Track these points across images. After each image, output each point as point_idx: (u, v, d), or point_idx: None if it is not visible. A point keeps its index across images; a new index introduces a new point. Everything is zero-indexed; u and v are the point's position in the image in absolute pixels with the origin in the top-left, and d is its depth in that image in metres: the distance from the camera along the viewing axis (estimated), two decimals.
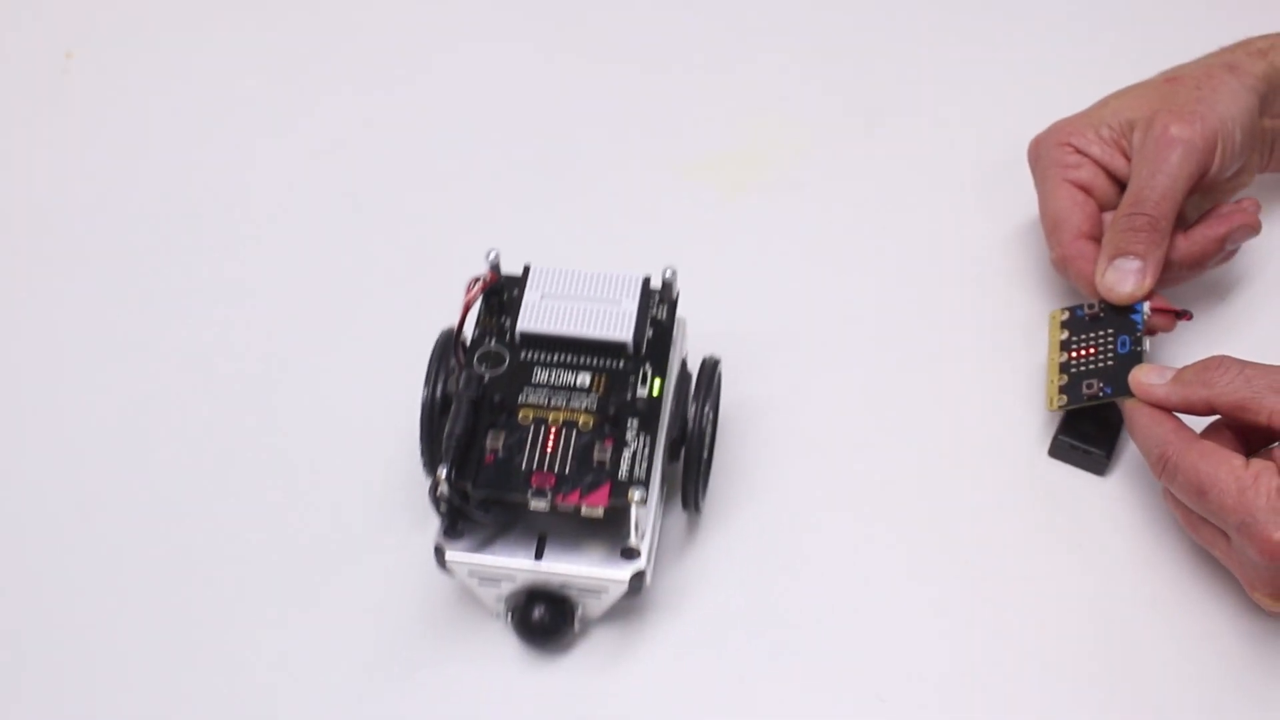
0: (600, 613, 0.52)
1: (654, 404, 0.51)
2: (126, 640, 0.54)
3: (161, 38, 0.76)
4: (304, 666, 0.53)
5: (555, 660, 0.53)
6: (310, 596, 0.55)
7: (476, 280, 0.53)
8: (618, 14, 0.76)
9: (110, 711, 0.52)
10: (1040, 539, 0.56)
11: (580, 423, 0.50)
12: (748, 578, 0.55)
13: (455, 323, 0.53)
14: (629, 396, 0.51)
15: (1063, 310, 0.59)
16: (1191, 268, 0.59)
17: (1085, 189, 0.59)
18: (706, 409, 0.52)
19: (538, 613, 0.51)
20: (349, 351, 0.62)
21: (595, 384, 0.51)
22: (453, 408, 0.50)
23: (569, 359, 0.52)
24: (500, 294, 0.54)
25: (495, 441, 0.49)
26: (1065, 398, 0.56)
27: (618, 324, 0.51)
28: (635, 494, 0.48)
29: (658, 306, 0.53)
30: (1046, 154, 0.60)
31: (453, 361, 0.53)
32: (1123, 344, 0.56)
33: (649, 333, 0.53)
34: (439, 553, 0.50)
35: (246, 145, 0.71)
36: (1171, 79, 0.60)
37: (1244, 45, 0.61)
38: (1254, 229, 0.59)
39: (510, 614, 0.51)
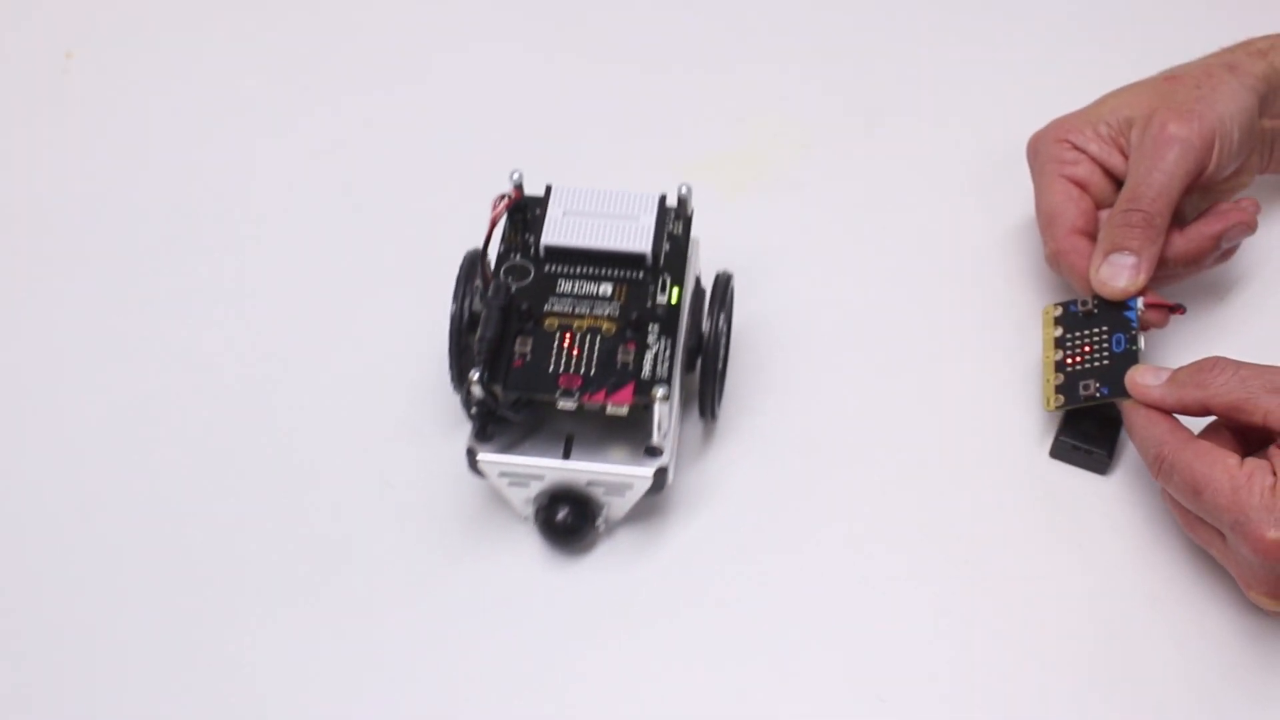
0: (623, 512, 0.54)
1: (673, 311, 0.53)
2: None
3: (161, 38, 0.76)
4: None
5: (578, 560, 0.55)
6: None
7: (502, 198, 0.55)
8: (618, 14, 0.77)
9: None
10: (1040, 539, 0.56)
11: (604, 329, 0.52)
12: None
13: (480, 242, 0.55)
14: (649, 304, 0.53)
15: (1056, 305, 0.59)
16: (1188, 265, 0.59)
17: (1081, 185, 0.59)
18: (721, 318, 0.55)
19: (562, 513, 0.53)
20: (351, 347, 0.62)
21: (617, 293, 0.54)
22: (483, 315, 0.52)
23: (591, 270, 0.54)
24: (524, 211, 0.56)
25: (524, 347, 0.52)
26: (1062, 398, 0.56)
27: (637, 237, 0.54)
28: (658, 391, 0.50)
29: (674, 222, 0.56)
30: (1044, 150, 0.60)
31: (478, 280, 0.55)
32: (1117, 342, 0.56)
33: (666, 246, 0.55)
34: (471, 455, 0.52)
35: (246, 145, 0.71)
36: (1171, 78, 0.60)
37: (1244, 46, 0.61)
38: (1250, 227, 0.59)
39: (536, 514, 0.53)
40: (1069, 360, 0.57)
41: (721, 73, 0.74)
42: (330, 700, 0.52)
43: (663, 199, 0.55)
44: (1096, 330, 0.57)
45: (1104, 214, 0.59)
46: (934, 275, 0.64)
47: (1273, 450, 0.50)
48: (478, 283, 0.55)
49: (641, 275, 0.54)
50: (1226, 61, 0.60)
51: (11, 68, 0.75)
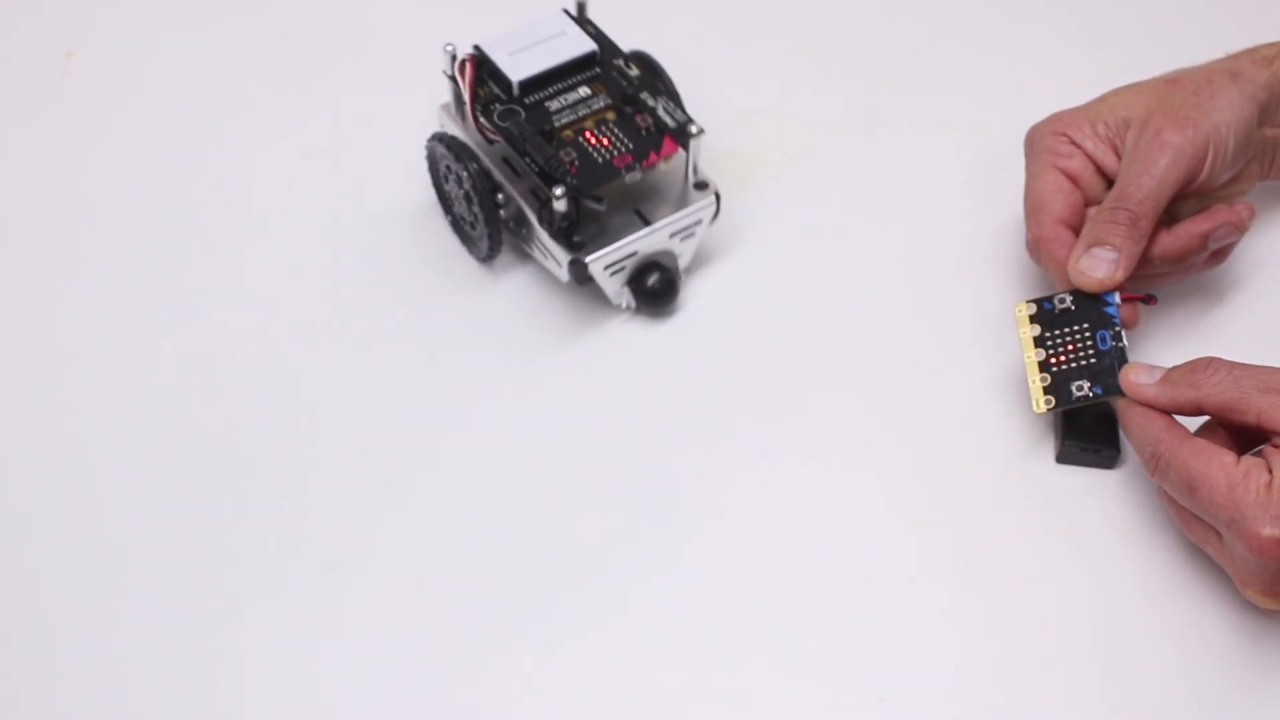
0: (691, 256, 0.63)
1: (645, 76, 0.62)
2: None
3: (161, 38, 0.76)
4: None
5: (669, 321, 0.63)
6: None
7: (463, 64, 0.61)
8: (616, 14, 0.76)
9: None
10: (1040, 539, 0.56)
11: (608, 117, 0.60)
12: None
13: (442, 127, 0.64)
14: (626, 81, 0.61)
15: (1028, 303, 0.58)
16: (1175, 263, 0.59)
17: (1073, 179, 0.59)
18: (667, 79, 0.64)
19: (653, 279, 0.61)
20: (356, 356, 0.62)
21: (595, 90, 0.61)
22: (529, 145, 0.58)
23: (562, 85, 0.61)
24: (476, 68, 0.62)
25: (568, 156, 0.58)
26: (1052, 399, 0.56)
27: (579, 42, 0.62)
28: (693, 127, 0.59)
29: (585, 25, 0.64)
30: (1041, 141, 0.60)
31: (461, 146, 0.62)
32: (1102, 339, 0.56)
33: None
34: (577, 264, 0.59)
35: (246, 145, 0.71)
36: (1172, 81, 0.60)
37: (1250, 53, 0.61)
38: (1238, 227, 0.59)
39: (636, 291, 0.61)
40: (1052, 360, 0.57)
41: (721, 73, 0.74)
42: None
43: (566, 11, 0.63)
44: (1077, 328, 0.57)
45: (1091, 211, 0.59)
46: (933, 275, 0.64)
47: (1268, 449, 0.50)
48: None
49: (598, 70, 0.62)
50: (1230, 68, 0.59)
51: (11, 68, 0.75)
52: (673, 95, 0.63)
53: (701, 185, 0.61)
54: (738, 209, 0.67)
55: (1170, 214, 0.59)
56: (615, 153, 0.59)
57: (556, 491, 0.57)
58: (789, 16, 0.76)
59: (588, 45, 0.62)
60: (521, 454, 0.59)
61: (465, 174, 0.61)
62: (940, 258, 0.65)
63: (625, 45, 0.63)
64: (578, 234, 0.59)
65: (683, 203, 0.61)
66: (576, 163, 0.58)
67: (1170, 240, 0.58)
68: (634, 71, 0.61)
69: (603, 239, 0.59)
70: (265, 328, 0.63)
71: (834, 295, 0.64)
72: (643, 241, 0.60)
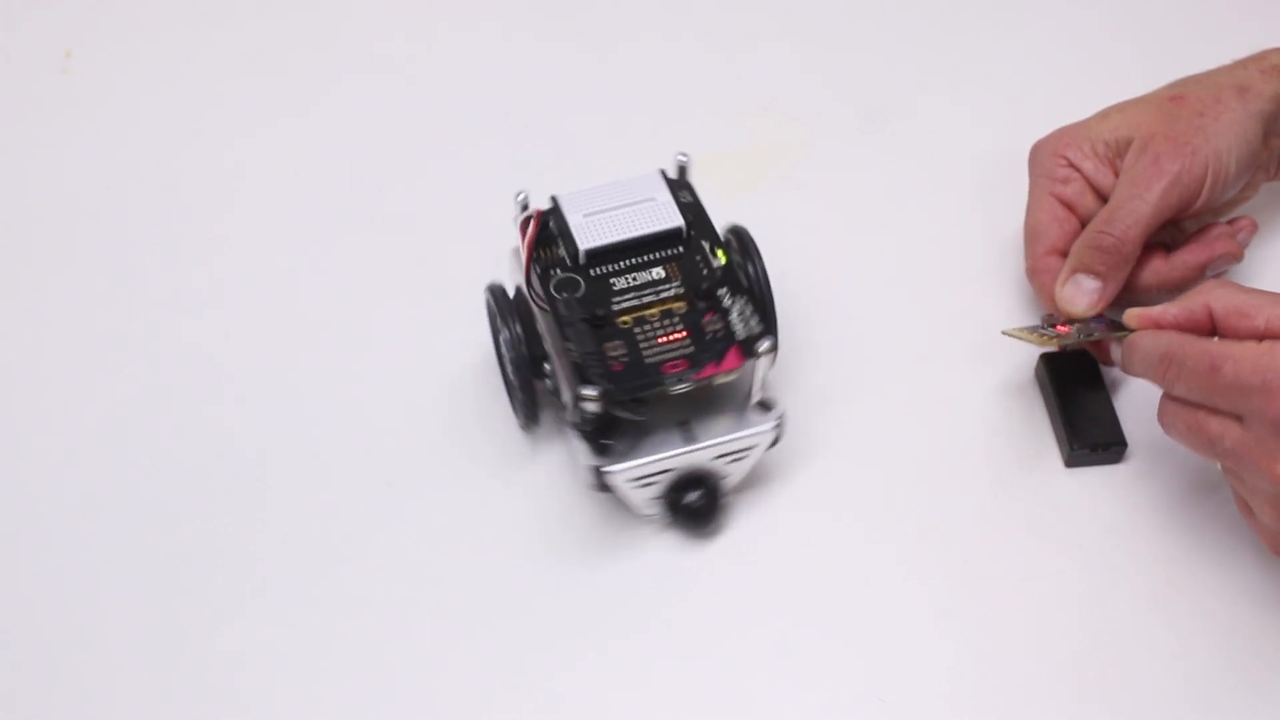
0: (741, 478, 0.55)
1: (729, 269, 0.53)
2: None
3: (161, 38, 0.76)
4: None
5: (710, 544, 0.55)
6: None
7: (526, 220, 0.54)
8: (618, 13, 0.76)
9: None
10: (1040, 539, 0.56)
11: (675, 309, 0.52)
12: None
13: (504, 275, 0.56)
14: (705, 271, 0.53)
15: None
16: (1171, 291, 0.59)
17: (1070, 205, 0.59)
18: (759, 263, 0.56)
19: (693, 495, 0.53)
20: (353, 344, 0.62)
21: (670, 274, 0.53)
22: (572, 334, 0.51)
23: (634, 261, 0.53)
24: (542, 228, 0.55)
25: (615, 350, 0.51)
26: (1062, 333, 0.56)
27: (665, 214, 0.54)
28: (762, 345, 0.51)
29: (681, 192, 0.56)
30: (1040, 163, 0.60)
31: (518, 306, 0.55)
32: (1098, 322, 0.57)
33: (689, 215, 0.55)
34: (597, 471, 0.52)
35: (248, 143, 0.71)
36: (1176, 98, 0.59)
37: (1259, 60, 0.60)
38: (1235, 258, 0.59)
39: (670, 508, 0.54)
40: (1052, 339, 0.57)
41: (722, 72, 0.74)
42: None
43: (664, 173, 0.56)
44: (1069, 328, 0.57)
45: None
46: (936, 276, 0.64)
47: None
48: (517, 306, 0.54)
49: (681, 249, 0.54)
50: (1238, 82, 0.58)
51: (11, 67, 0.75)
52: (758, 286, 0.55)
53: (765, 406, 0.54)
54: (737, 209, 0.67)
55: (1175, 226, 0.59)
56: (669, 356, 0.51)
57: (555, 487, 0.57)
58: (792, 15, 0.76)
59: (675, 221, 0.53)
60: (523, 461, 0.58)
61: (506, 335, 0.54)
62: (943, 259, 0.65)
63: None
64: (611, 435, 0.52)
65: (739, 422, 0.53)
66: (623, 360, 0.51)
67: (1167, 270, 0.58)
68: (719, 261, 0.53)
69: (638, 448, 0.52)
70: (268, 326, 0.63)
71: (834, 295, 0.64)
72: (680, 459, 0.53)
